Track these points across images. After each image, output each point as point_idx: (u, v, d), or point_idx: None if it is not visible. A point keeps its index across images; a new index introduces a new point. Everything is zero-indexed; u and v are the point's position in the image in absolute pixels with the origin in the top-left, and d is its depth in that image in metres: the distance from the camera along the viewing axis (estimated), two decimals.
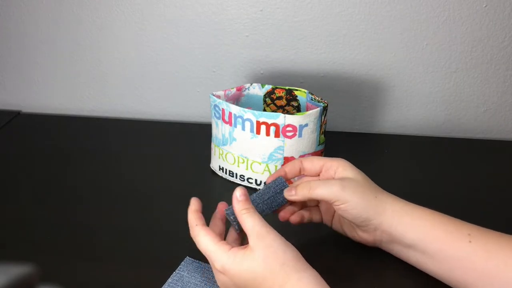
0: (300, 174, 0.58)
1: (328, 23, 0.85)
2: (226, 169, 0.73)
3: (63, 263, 0.57)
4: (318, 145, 0.70)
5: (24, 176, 0.75)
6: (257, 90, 0.77)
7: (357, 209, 0.52)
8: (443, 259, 0.50)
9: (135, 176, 0.75)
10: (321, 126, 0.69)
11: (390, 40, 0.85)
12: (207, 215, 0.67)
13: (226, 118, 0.69)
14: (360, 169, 0.56)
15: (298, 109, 0.77)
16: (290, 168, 0.57)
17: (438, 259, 0.50)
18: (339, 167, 0.55)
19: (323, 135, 0.70)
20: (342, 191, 0.51)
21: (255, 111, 0.67)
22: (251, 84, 0.77)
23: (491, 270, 0.46)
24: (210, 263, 0.49)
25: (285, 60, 0.89)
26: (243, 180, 0.72)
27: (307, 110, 0.74)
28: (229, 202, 0.71)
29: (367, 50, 0.87)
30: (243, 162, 0.71)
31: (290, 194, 0.54)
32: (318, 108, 0.67)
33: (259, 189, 0.71)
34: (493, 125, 0.92)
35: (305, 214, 0.58)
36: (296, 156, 0.69)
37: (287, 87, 0.76)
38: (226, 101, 0.72)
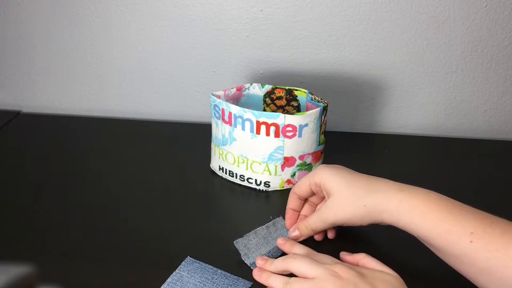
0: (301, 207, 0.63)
1: (328, 23, 0.85)
2: (226, 169, 0.73)
3: (63, 263, 0.57)
4: (318, 145, 0.70)
5: (24, 176, 0.75)
6: (257, 90, 0.77)
7: (355, 222, 0.55)
8: (446, 255, 0.51)
9: (134, 176, 0.75)
10: (321, 126, 0.69)
11: (390, 40, 0.85)
12: (207, 215, 0.67)
13: (226, 118, 0.69)
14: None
15: (298, 109, 0.77)
16: (292, 215, 0.62)
17: (441, 253, 0.51)
18: (325, 189, 0.57)
19: (323, 135, 0.70)
20: (335, 216, 0.56)
21: (255, 111, 0.67)
22: (251, 84, 0.77)
23: (491, 269, 0.47)
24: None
25: (285, 60, 0.89)
26: (243, 180, 0.72)
27: (307, 110, 0.74)
28: (228, 200, 0.71)
29: (367, 50, 0.87)
30: (243, 162, 0.71)
31: (295, 235, 0.59)
32: (318, 108, 0.67)
33: (259, 189, 0.72)
34: (493, 125, 0.92)
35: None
36: (296, 156, 0.69)
37: (287, 87, 0.76)
38: (226, 101, 0.72)
